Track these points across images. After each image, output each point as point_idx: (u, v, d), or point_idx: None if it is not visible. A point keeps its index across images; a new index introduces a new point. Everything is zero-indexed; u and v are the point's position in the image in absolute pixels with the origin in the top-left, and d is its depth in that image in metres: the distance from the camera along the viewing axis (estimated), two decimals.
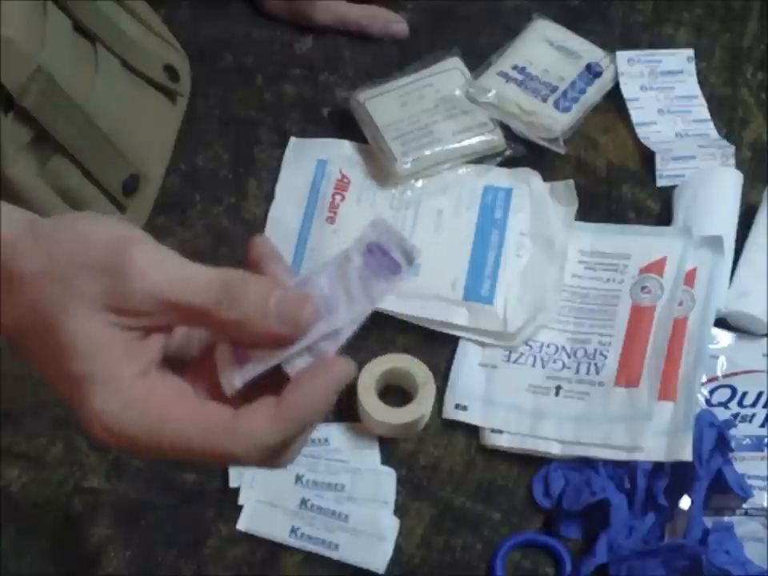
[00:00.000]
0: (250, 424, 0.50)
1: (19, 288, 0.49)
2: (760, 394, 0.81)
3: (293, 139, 0.94)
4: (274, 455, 0.52)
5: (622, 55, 0.97)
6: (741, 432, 0.79)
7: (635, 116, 0.95)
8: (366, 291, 0.51)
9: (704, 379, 0.81)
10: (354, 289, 0.51)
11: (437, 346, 0.84)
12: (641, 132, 0.94)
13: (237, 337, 0.51)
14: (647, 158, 0.92)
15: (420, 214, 0.88)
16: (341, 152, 0.92)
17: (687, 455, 0.76)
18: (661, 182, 0.91)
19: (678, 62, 0.98)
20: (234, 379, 0.51)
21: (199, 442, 0.50)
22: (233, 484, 0.79)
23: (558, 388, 0.81)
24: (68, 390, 0.50)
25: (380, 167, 0.91)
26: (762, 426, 0.80)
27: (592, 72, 0.95)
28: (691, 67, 0.98)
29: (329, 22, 0.99)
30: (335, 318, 0.51)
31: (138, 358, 0.50)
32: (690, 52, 0.99)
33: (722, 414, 0.79)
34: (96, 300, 0.49)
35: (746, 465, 0.78)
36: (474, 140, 0.91)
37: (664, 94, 0.96)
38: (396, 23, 0.99)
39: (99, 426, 0.49)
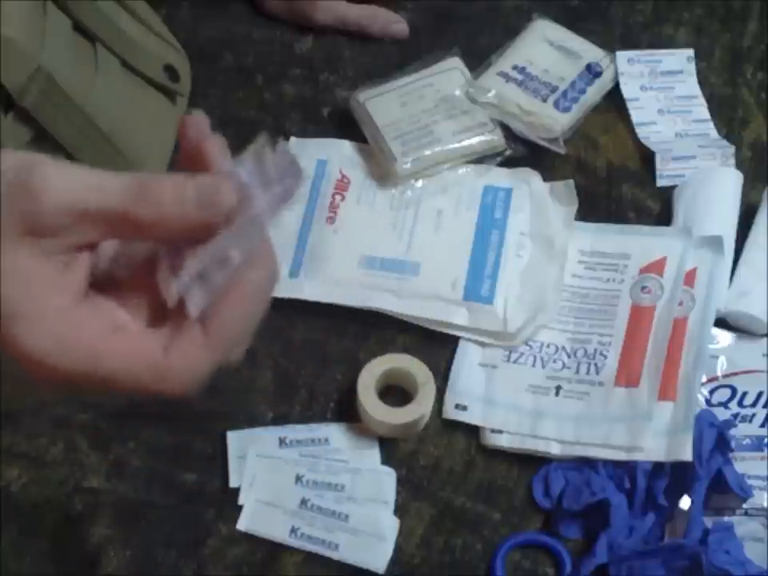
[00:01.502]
0: (183, 359, 0.49)
1: None
2: (760, 394, 0.81)
3: (293, 139, 0.94)
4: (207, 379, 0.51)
5: (622, 55, 0.97)
6: (741, 432, 0.79)
7: (635, 116, 0.95)
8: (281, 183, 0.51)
9: (704, 379, 0.81)
10: (271, 174, 0.51)
11: (437, 346, 0.84)
12: (641, 132, 0.94)
13: (161, 237, 0.50)
14: (647, 157, 0.92)
15: (420, 214, 0.88)
16: (341, 152, 0.92)
17: (687, 455, 0.76)
18: (661, 182, 0.91)
19: (678, 62, 0.98)
20: (172, 289, 0.50)
21: (132, 381, 0.49)
22: (233, 484, 0.79)
23: (558, 388, 0.81)
24: None
25: (380, 167, 0.91)
26: (762, 425, 0.80)
27: (592, 72, 0.95)
28: (691, 67, 0.98)
29: (329, 22, 0.99)
30: (255, 202, 0.50)
31: (65, 287, 0.48)
32: (690, 52, 0.99)
33: (722, 414, 0.79)
34: (10, 228, 0.47)
35: (745, 465, 0.78)
36: (474, 140, 0.91)
37: (664, 94, 0.96)
38: (396, 23, 0.99)
39: (32, 365, 0.48)
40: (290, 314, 0.84)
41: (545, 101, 0.93)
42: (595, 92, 0.95)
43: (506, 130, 0.92)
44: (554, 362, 0.82)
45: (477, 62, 0.95)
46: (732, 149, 0.92)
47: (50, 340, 0.48)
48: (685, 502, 0.75)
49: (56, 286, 0.48)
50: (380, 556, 0.76)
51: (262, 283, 0.51)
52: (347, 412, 0.81)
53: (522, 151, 0.91)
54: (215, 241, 0.50)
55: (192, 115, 0.53)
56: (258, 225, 0.51)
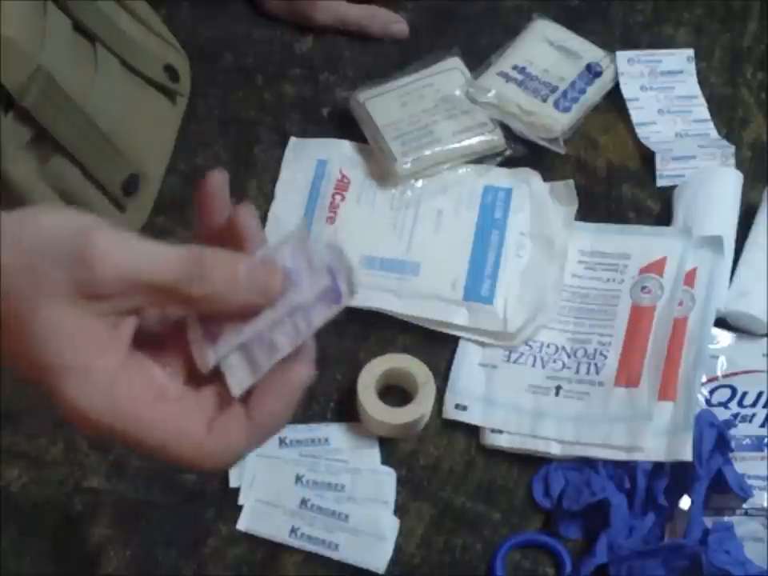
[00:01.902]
0: (226, 441, 0.51)
1: None
2: (760, 394, 0.81)
3: (293, 139, 0.94)
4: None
5: (622, 55, 0.97)
6: (741, 432, 0.79)
7: (635, 116, 0.95)
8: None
9: (704, 379, 0.81)
10: (315, 263, 0.52)
11: (437, 346, 0.84)
12: (641, 132, 0.94)
13: (207, 311, 0.51)
14: (647, 157, 0.93)
15: (420, 214, 0.88)
16: (341, 152, 0.92)
17: (687, 455, 0.76)
18: (661, 182, 0.91)
19: (678, 62, 0.98)
20: (208, 357, 0.52)
21: (177, 456, 0.51)
22: (233, 484, 0.79)
23: (558, 388, 0.81)
24: (41, 380, 0.50)
25: (380, 167, 0.91)
26: (762, 425, 0.80)
27: (592, 72, 0.95)
28: (691, 67, 0.98)
29: (329, 22, 0.99)
30: (300, 288, 0.52)
31: (112, 346, 0.50)
32: (690, 52, 0.99)
33: (722, 414, 0.79)
34: (64, 289, 0.48)
35: (745, 465, 0.78)
36: (474, 140, 0.91)
37: (664, 94, 0.96)
38: (396, 23, 0.99)
39: (75, 416, 0.49)
40: None
41: (545, 101, 0.93)
42: (595, 92, 0.95)
43: (506, 129, 0.92)
44: (554, 361, 0.82)
45: (477, 62, 0.95)
46: (732, 149, 0.92)
47: (96, 396, 0.49)
48: (685, 502, 0.75)
49: (104, 344, 0.50)
50: (380, 556, 0.76)
51: (305, 380, 0.53)
52: (347, 412, 0.81)
53: (522, 151, 0.91)
54: (258, 319, 0.52)
55: (213, 172, 0.55)
56: (306, 317, 0.52)
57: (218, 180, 0.56)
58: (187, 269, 0.50)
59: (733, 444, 0.77)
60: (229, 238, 0.53)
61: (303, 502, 0.77)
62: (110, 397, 0.49)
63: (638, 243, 0.86)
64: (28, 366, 0.50)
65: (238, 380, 0.52)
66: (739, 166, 0.92)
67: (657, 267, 0.84)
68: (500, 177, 0.90)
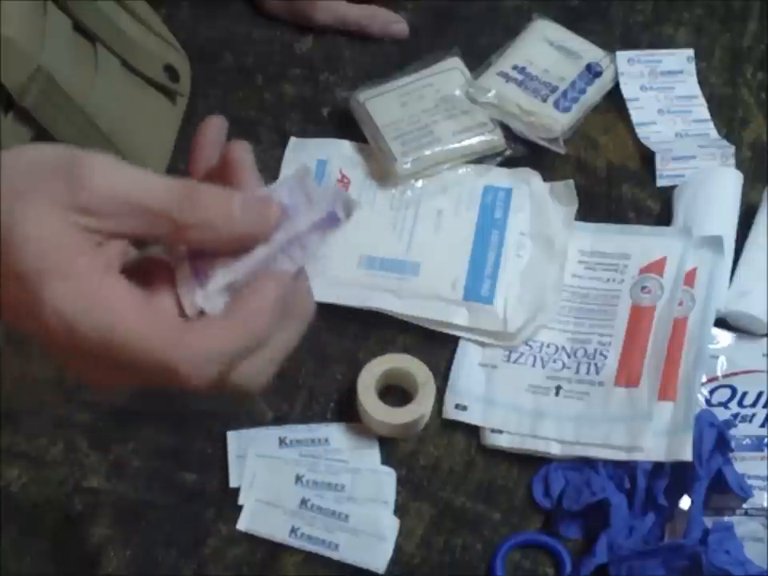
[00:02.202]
0: (199, 333, 0.49)
1: None
2: (760, 394, 0.81)
3: (293, 139, 0.94)
4: (227, 374, 0.50)
5: (622, 55, 0.97)
6: (741, 432, 0.79)
7: (635, 116, 0.95)
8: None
9: (704, 379, 0.81)
10: (314, 197, 0.51)
11: (437, 346, 0.84)
12: (641, 132, 0.94)
13: (198, 242, 0.50)
14: (647, 157, 0.93)
15: (420, 214, 0.88)
16: (341, 152, 0.92)
17: (687, 455, 0.76)
18: (661, 182, 0.91)
19: (678, 62, 0.98)
20: (196, 296, 0.50)
21: (148, 349, 0.48)
22: (233, 484, 0.79)
23: (558, 388, 0.81)
24: (17, 294, 0.48)
25: (380, 167, 0.91)
26: (762, 425, 0.80)
27: (592, 72, 0.95)
28: (691, 67, 0.98)
29: (329, 22, 0.99)
30: (296, 221, 0.50)
31: (95, 258, 0.48)
32: (690, 52, 0.99)
33: (722, 414, 0.79)
34: (54, 200, 0.47)
35: (746, 465, 0.78)
36: (474, 140, 0.91)
37: (664, 94, 0.96)
38: (396, 23, 0.99)
39: (54, 322, 0.47)
40: None
41: (545, 101, 0.93)
42: (595, 92, 0.95)
43: (506, 129, 0.92)
44: (554, 361, 0.82)
45: (477, 61, 0.95)
46: (732, 149, 0.92)
47: (75, 297, 0.47)
48: (685, 502, 0.75)
49: (86, 253, 0.48)
50: (380, 556, 0.76)
51: (291, 285, 0.51)
52: (347, 412, 0.81)
53: (522, 151, 0.91)
54: (251, 255, 0.50)
55: (212, 117, 0.53)
56: (301, 245, 0.51)
57: (217, 125, 0.54)
58: (180, 195, 0.49)
59: (733, 444, 0.77)
60: (222, 177, 0.52)
61: (303, 502, 0.77)
62: (89, 294, 0.47)
63: (638, 243, 0.86)
64: (8, 282, 0.48)
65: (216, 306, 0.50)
66: (739, 166, 0.92)
67: (657, 267, 0.84)
68: (500, 177, 0.90)
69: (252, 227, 0.50)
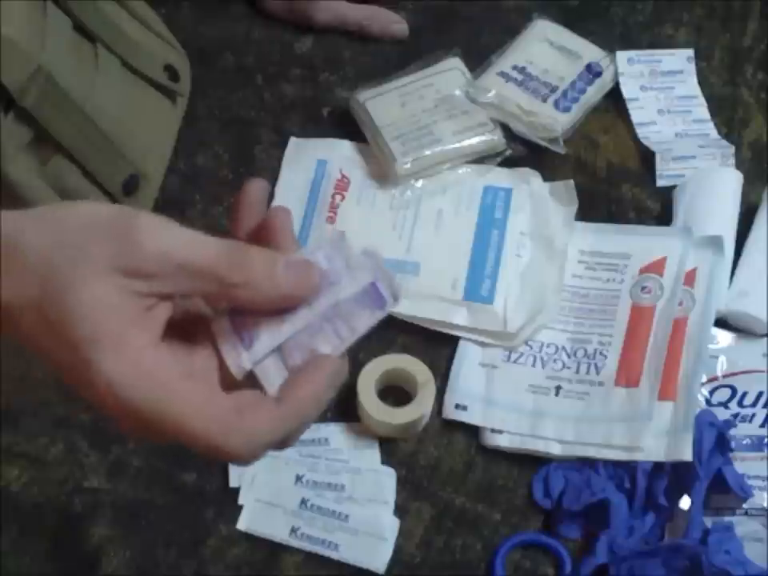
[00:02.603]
0: (253, 422, 0.50)
1: (23, 261, 0.49)
2: (760, 394, 0.81)
3: (293, 139, 0.94)
4: (268, 452, 0.52)
5: (622, 55, 0.97)
6: (741, 432, 0.79)
7: (635, 116, 0.95)
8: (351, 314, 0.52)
9: (704, 379, 0.81)
10: (353, 262, 0.52)
11: (437, 346, 0.84)
12: (641, 132, 0.94)
13: (245, 301, 0.51)
14: (647, 158, 0.93)
15: (420, 214, 0.88)
16: (341, 152, 0.92)
17: (687, 455, 0.76)
18: (661, 182, 0.91)
19: (678, 62, 0.98)
20: (242, 359, 0.51)
21: (203, 432, 0.49)
22: (233, 484, 0.79)
23: (558, 388, 0.81)
24: (70, 359, 0.49)
25: (380, 167, 0.91)
26: (762, 425, 0.80)
27: (592, 72, 0.96)
28: (691, 67, 0.98)
29: (329, 22, 0.99)
30: (338, 287, 0.52)
31: (148, 326, 0.49)
32: (690, 52, 0.99)
33: (721, 414, 0.79)
34: (106, 263, 0.48)
35: (745, 465, 0.78)
36: (474, 140, 0.91)
37: (664, 94, 0.96)
38: (396, 23, 0.99)
39: (105, 391, 0.48)
40: None
41: (545, 101, 0.93)
42: (595, 92, 0.95)
43: (506, 130, 0.92)
44: (554, 361, 0.82)
45: (477, 62, 0.95)
46: (732, 149, 0.92)
47: (127, 370, 0.48)
48: (685, 502, 0.75)
49: (138, 323, 0.49)
50: (380, 556, 0.76)
51: (340, 371, 0.52)
52: (347, 412, 0.81)
53: (522, 151, 0.91)
54: (295, 320, 0.51)
55: (257, 179, 0.55)
56: (348, 322, 0.52)
57: (260, 188, 0.55)
58: (228, 255, 0.50)
59: (733, 444, 0.77)
60: (261, 239, 0.53)
61: (303, 501, 0.77)
62: (141, 368, 0.48)
63: (638, 243, 0.86)
64: (60, 346, 0.49)
65: (272, 381, 0.51)
66: (739, 166, 0.92)
67: (657, 267, 0.84)
68: (500, 177, 0.90)
69: (296, 288, 0.51)
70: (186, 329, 0.53)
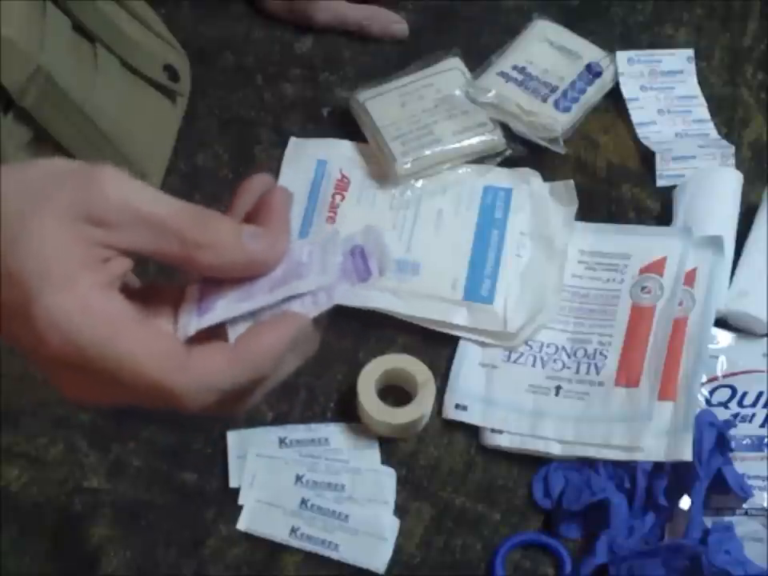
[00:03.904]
0: (204, 362, 0.48)
1: None
2: (760, 394, 0.81)
3: (293, 139, 0.94)
4: (222, 401, 0.50)
5: (622, 55, 0.97)
6: (741, 432, 0.79)
7: (635, 116, 0.95)
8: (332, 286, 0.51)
9: (704, 379, 0.81)
10: (328, 268, 0.51)
11: (437, 346, 0.84)
12: (641, 132, 0.94)
13: (207, 265, 0.50)
14: (647, 158, 0.93)
15: (420, 214, 0.88)
16: (341, 152, 0.92)
17: (687, 455, 0.76)
18: (661, 182, 0.91)
19: (678, 62, 0.98)
20: (190, 325, 0.50)
21: (148, 369, 0.47)
22: (233, 484, 0.79)
23: (558, 388, 0.81)
24: (13, 295, 0.47)
25: (380, 167, 0.91)
26: (762, 425, 0.80)
27: (592, 72, 0.96)
28: (691, 67, 0.98)
29: (329, 22, 0.99)
30: (302, 281, 0.50)
31: (99, 271, 0.48)
32: (690, 52, 0.99)
33: (722, 414, 0.79)
34: (67, 207, 0.47)
35: (745, 465, 0.78)
36: (474, 140, 0.91)
37: (664, 94, 0.96)
38: (396, 23, 0.99)
39: (49, 328, 0.47)
40: None
41: (545, 101, 0.93)
42: (595, 92, 0.95)
43: (506, 130, 0.92)
44: (554, 361, 0.82)
45: (477, 61, 0.95)
46: (732, 149, 0.92)
47: (73, 307, 0.47)
48: (685, 502, 0.75)
49: (91, 267, 0.48)
50: (380, 556, 0.76)
51: (307, 333, 0.52)
52: (347, 412, 0.81)
53: (522, 151, 0.91)
54: (253, 300, 0.50)
55: (262, 175, 0.54)
56: (327, 294, 0.51)
57: (264, 182, 0.54)
58: (193, 215, 0.49)
59: (733, 444, 0.77)
60: (256, 219, 0.52)
61: (303, 501, 0.77)
62: (88, 306, 0.47)
63: (637, 243, 0.86)
64: (5, 280, 0.47)
65: (236, 329, 0.50)
66: (739, 166, 0.92)
67: (657, 267, 0.84)
68: (500, 177, 0.90)
69: (261, 253, 0.50)
70: (147, 301, 0.51)
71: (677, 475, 0.76)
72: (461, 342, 0.84)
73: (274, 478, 0.78)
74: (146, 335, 0.48)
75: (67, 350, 0.47)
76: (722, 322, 0.84)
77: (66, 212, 0.47)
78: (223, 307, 0.50)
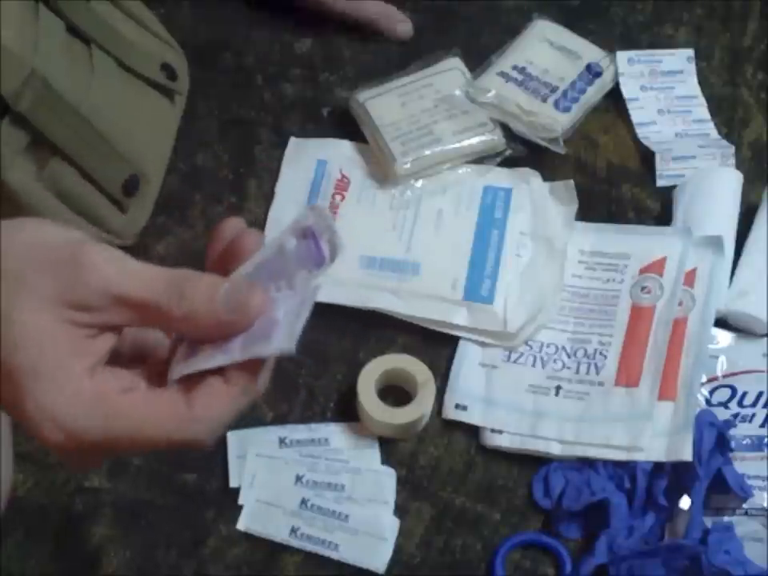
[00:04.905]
0: (206, 407, 0.50)
1: None
2: (760, 394, 0.81)
3: (293, 139, 0.94)
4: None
5: (622, 55, 0.97)
6: (741, 432, 0.79)
7: (635, 116, 0.95)
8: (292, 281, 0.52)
9: (704, 379, 0.81)
10: (295, 332, 0.51)
11: (437, 346, 0.84)
12: (641, 132, 0.94)
13: (187, 332, 0.51)
14: (647, 158, 0.93)
15: (420, 214, 0.88)
16: (341, 152, 0.92)
17: (687, 455, 0.76)
18: (661, 182, 0.91)
19: (678, 62, 0.98)
20: (173, 373, 0.51)
21: (161, 434, 0.49)
22: (233, 484, 0.79)
23: (558, 388, 0.81)
24: (9, 388, 0.48)
25: (380, 167, 0.91)
26: (762, 425, 0.80)
27: (592, 72, 0.95)
28: (691, 67, 0.98)
29: (345, 11, 0.99)
30: (270, 345, 0.50)
31: (87, 354, 0.49)
32: (690, 52, 0.99)
33: (721, 414, 0.79)
34: (48, 294, 0.48)
35: (745, 465, 0.78)
36: (474, 140, 0.91)
37: (664, 94, 0.96)
38: (402, 22, 0.99)
39: (46, 423, 0.48)
40: None
41: (545, 101, 0.93)
42: (595, 92, 0.95)
43: (506, 130, 0.92)
44: (554, 361, 0.82)
45: (477, 61, 0.95)
46: (732, 149, 0.92)
47: (69, 400, 0.48)
48: (685, 502, 0.75)
49: (78, 351, 0.49)
50: (380, 556, 0.76)
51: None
52: (347, 412, 0.81)
53: (522, 151, 0.91)
54: (232, 345, 0.51)
55: (228, 221, 0.54)
56: (289, 286, 0.52)
57: (234, 226, 0.54)
58: (169, 288, 0.50)
59: (733, 444, 0.77)
60: (229, 258, 0.53)
61: (303, 501, 0.77)
62: (82, 395, 0.48)
63: (638, 243, 0.86)
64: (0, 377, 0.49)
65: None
66: (739, 166, 0.92)
67: (657, 267, 0.84)
68: (500, 177, 0.90)
69: (234, 317, 0.50)
70: (142, 353, 0.53)
71: (677, 475, 0.76)
72: (461, 342, 0.84)
73: (274, 478, 0.78)
74: (145, 402, 0.50)
75: (67, 440, 0.49)
76: (722, 322, 0.84)
77: (47, 298, 0.48)
78: (203, 359, 0.51)
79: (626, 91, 0.96)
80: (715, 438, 0.77)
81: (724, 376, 0.82)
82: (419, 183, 0.90)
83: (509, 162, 0.91)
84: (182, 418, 0.50)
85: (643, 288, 0.83)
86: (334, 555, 0.76)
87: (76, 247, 0.49)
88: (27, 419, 0.49)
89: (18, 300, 0.48)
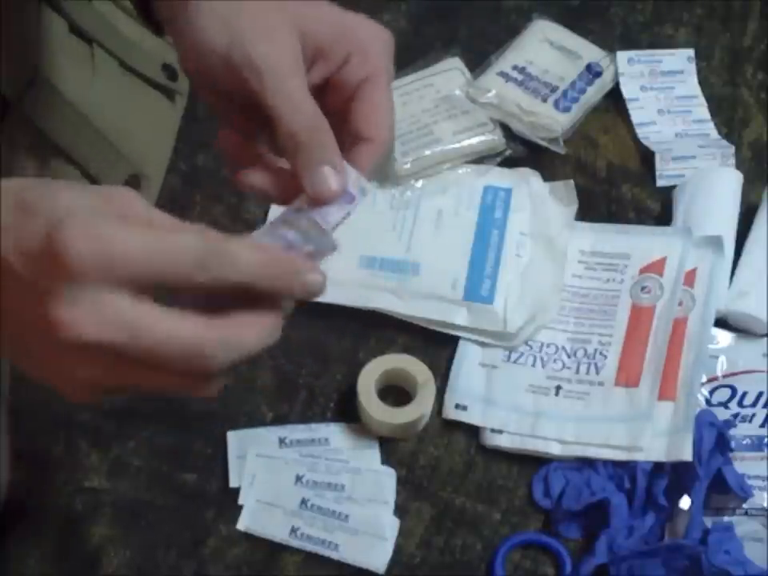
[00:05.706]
0: (232, 321, 0.49)
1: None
2: (760, 394, 0.81)
3: None
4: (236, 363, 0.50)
5: (622, 55, 0.97)
6: (741, 432, 0.79)
7: (635, 116, 0.95)
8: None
9: (704, 379, 0.81)
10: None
11: (437, 346, 0.84)
12: (641, 132, 0.94)
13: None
14: (647, 158, 0.93)
15: (420, 214, 0.88)
16: None
17: (687, 455, 0.76)
18: (661, 182, 0.91)
19: (678, 62, 0.98)
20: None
21: (179, 324, 0.47)
22: (233, 484, 0.79)
23: (558, 388, 0.81)
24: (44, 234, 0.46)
25: (380, 167, 0.90)
26: (762, 425, 0.80)
27: (592, 72, 0.96)
28: (691, 67, 0.98)
29: None
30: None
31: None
32: (690, 52, 0.99)
33: (721, 414, 0.79)
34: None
35: (745, 465, 0.78)
36: (474, 140, 0.91)
37: (664, 94, 0.96)
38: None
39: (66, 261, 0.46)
40: None
41: (545, 101, 0.93)
42: (595, 92, 0.95)
43: (506, 130, 0.92)
44: (554, 361, 0.82)
45: (477, 62, 0.95)
46: (732, 149, 0.92)
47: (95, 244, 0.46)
48: (685, 502, 0.75)
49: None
50: (380, 556, 0.76)
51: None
52: (347, 412, 0.81)
53: (522, 151, 0.91)
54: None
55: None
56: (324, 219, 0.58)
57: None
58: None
59: (733, 444, 0.77)
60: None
61: (303, 501, 0.77)
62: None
63: (637, 243, 0.86)
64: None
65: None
66: (739, 166, 0.92)
67: (657, 267, 0.84)
68: (500, 177, 0.90)
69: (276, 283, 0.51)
70: None
71: (677, 475, 0.76)
72: (461, 342, 0.84)
73: (274, 478, 0.78)
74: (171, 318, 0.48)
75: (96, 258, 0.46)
76: (722, 322, 0.84)
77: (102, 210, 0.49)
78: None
79: (626, 91, 0.96)
80: (715, 438, 0.77)
81: (724, 376, 0.82)
82: (419, 183, 0.90)
83: (509, 162, 0.91)
84: (204, 321, 0.48)
85: (643, 288, 0.83)
86: (334, 555, 0.76)
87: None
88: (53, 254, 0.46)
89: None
